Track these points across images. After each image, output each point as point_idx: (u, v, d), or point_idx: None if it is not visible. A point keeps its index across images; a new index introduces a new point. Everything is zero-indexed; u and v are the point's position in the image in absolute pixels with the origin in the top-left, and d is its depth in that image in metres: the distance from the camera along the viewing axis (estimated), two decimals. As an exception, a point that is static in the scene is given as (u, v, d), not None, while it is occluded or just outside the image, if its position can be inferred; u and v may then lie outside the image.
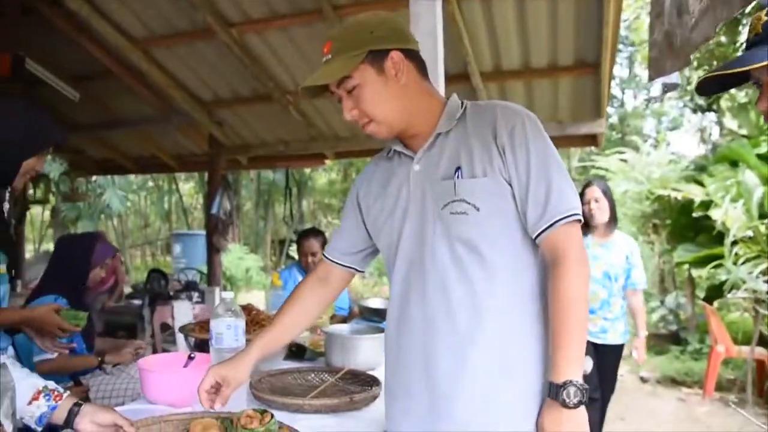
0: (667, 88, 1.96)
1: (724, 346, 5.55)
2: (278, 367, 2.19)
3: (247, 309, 2.41)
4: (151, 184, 15.53)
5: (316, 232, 4.03)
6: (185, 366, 1.78)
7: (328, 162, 7.07)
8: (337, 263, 1.61)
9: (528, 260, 1.36)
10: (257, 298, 9.81)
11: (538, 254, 1.36)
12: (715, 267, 6.24)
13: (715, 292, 6.31)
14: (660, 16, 1.83)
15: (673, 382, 6.13)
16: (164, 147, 7.15)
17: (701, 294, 7.07)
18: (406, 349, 1.42)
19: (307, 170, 14.18)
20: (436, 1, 2.95)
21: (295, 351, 2.43)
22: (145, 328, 5.45)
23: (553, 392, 1.23)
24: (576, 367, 1.23)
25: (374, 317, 3.52)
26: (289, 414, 1.68)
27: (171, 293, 6.00)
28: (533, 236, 1.33)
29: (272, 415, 1.43)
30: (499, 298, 1.33)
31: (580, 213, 1.32)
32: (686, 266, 7.14)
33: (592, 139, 5.79)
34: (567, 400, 1.20)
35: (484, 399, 1.32)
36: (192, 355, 1.77)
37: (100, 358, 2.68)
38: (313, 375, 2.13)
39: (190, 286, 6.29)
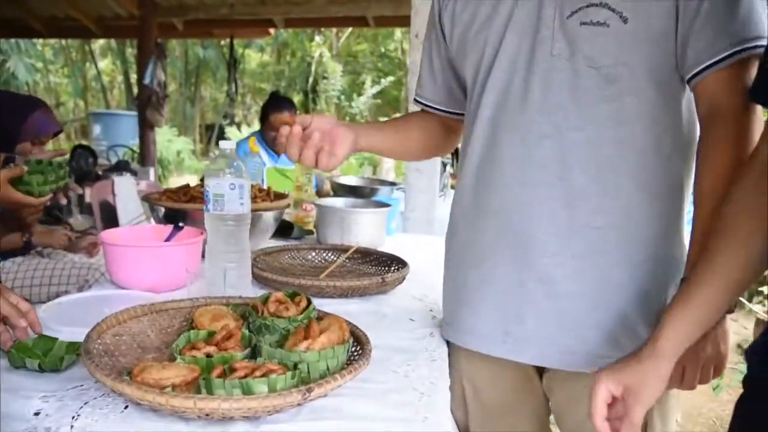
0: None
1: None
2: (266, 245, 1.81)
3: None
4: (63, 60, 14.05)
5: (290, 104, 3.50)
6: (168, 239, 1.36)
7: (272, 32, 6.39)
8: (433, 108, 1.26)
9: (677, 111, 0.99)
10: (189, 182, 9.21)
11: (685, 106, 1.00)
12: None
13: None
14: None
15: None
16: (83, 7, 6.20)
17: None
18: (490, 212, 1.07)
19: (239, 49, 13.13)
20: None
21: (281, 227, 2.04)
22: (72, 210, 4.86)
23: None
24: None
25: (349, 195, 3.17)
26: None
27: (99, 173, 5.40)
28: (687, 75, 0.94)
29: (309, 300, 1.06)
30: (637, 151, 0.98)
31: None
32: None
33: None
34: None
35: (590, 278, 1.01)
36: (180, 225, 1.35)
37: (25, 238, 2.19)
38: (314, 254, 1.76)
39: (120, 166, 5.70)
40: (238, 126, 12.30)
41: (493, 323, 1.08)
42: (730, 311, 0.92)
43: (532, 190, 1.02)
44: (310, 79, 15.29)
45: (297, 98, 16.11)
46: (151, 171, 5.49)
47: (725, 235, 0.81)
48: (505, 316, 1.06)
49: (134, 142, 7.47)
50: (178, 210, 1.64)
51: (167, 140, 11.45)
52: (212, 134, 12.80)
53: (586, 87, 0.97)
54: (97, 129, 10.90)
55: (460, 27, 1.11)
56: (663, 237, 1.00)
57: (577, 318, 1.02)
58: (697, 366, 0.93)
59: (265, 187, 2.22)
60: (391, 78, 13.69)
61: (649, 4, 0.92)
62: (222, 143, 1.28)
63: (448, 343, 1.20)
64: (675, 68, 0.95)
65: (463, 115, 1.20)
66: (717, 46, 0.89)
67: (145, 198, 1.78)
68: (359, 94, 14.18)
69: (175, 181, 9.50)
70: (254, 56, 15.47)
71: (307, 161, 1.08)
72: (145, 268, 1.30)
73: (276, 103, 3.52)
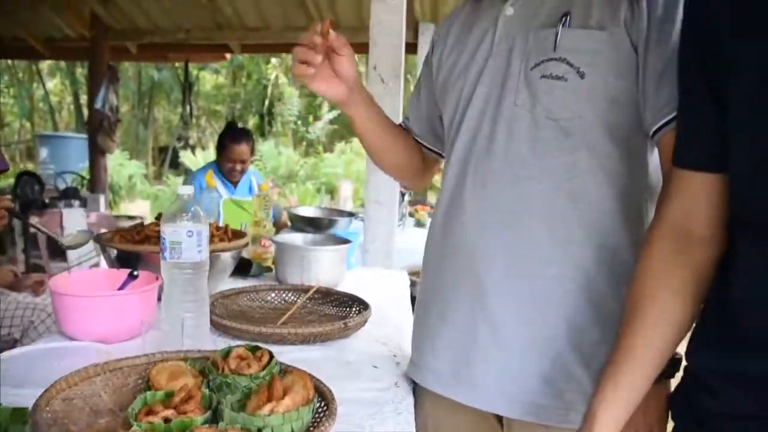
0: None
1: None
2: (225, 285, 1.76)
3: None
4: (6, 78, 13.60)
5: (247, 136, 3.46)
6: (122, 287, 1.30)
7: (228, 57, 6.34)
8: (417, 139, 1.32)
9: (636, 166, 1.00)
10: (142, 208, 9.01)
11: (652, 161, 1.01)
12: None
13: None
14: None
15: None
16: (31, 28, 6.03)
17: None
18: (451, 252, 1.10)
19: (194, 71, 12.98)
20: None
21: (239, 265, 1.99)
22: (16, 242, 4.67)
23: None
24: None
25: (307, 227, 3.14)
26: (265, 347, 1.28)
27: (46, 201, 5.20)
28: (649, 132, 0.95)
29: (271, 355, 1.03)
30: (590, 204, 0.99)
31: None
32: None
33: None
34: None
35: (536, 327, 1.02)
36: (135, 273, 1.29)
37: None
38: (273, 295, 1.72)
39: (69, 193, 5.50)
40: (193, 149, 12.09)
41: (448, 365, 1.09)
42: (670, 376, 0.94)
43: (489, 234, 1.03)
44: (266, 102, 15.23)
45: (252, 121, 16.00)
46: (102, 199, 5.32)
47: (634, 322, 0.85)
48: (458, 359, 1.07)
49: (83, 166, 7.25)
50: (132, 252, 1.58)
51: (118, 164, 11.19)
52: (165, 157, 12.53)
53: (545, 138, 0.98)
54: (43, 152, 10.55)
55: (444, 71, 1.15)
56: (614, 293, 1.01)
57: (521, 366, 1.02)
58: None
59: (221, 222, 2.17)
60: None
61: (608, 61, 0.94)
62: (180, 189, 1.24)
63: (415, 384, 1.19)
64: (638, 125, 0.97)
65: (440, 155, 1.28)
66: (674, 104, 0.91)
67: (97, 239, 1.72)
68: (316, 117, 14.17)
69: (126, 207, 9.27)
70: (209, 78, 15.32)
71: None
72: (97, 318, 1.24)
73: (233, 134, 3.48)
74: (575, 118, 0.96)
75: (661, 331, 0.83)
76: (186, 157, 10.73)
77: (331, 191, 9.19)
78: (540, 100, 0.98)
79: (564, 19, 0.96)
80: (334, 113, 12.09)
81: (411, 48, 5.37)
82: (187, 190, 1.24)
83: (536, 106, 0.98)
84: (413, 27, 5.25)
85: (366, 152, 1.33)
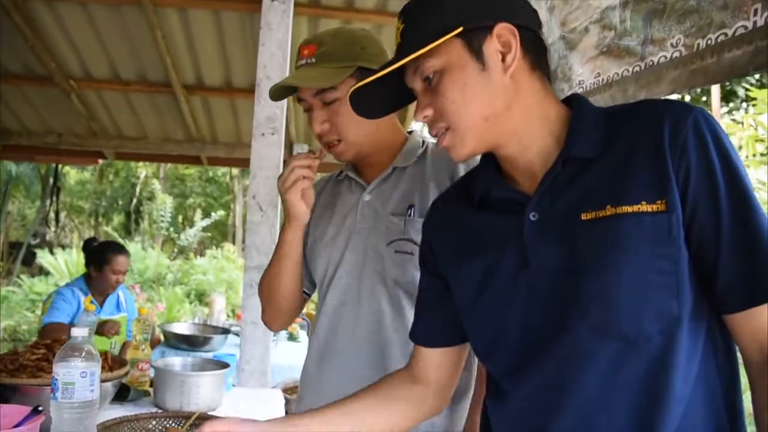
0: None
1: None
2: (105, 413, 1.79)
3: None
4: None
5: (125, 250, 3.46)
6: (19, 425, 1.33)
7: (101, 161, 6.28)
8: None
9: None
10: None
11: None
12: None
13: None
14: None
15: None
16: None
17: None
18: (328, 389, 1.26)
19: (60, 165, 12.46)
20: (289, 11, 2.80)
21: (118, 391, 2.02)
22: None
23: None
24: None
25: (182, 344, 3.17)
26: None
27: None
28: None
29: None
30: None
31: None
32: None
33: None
34: None
35: None
36: (40, 408, 1.32)
37: None
38: (154, 422, 1.78)
39: None
40: (50, 247, 11.36)
41: None
42: None
43: (356, 374, 1.25)
44: (134, 200, 14.81)
45: (118, 219, 15.44)
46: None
47: None
48: None
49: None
50: (8, 385, 1.60)
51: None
52: (18, 254, 11.64)
53: (396, 297, 1.26)
54: None
55: (311, 240, 1.38)
56: None
57: None
58: None
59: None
60: (221, 212, 13.75)
61: None
62: (74, 330, 1.33)
63: None
64: None
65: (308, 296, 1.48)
66: None
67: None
68: (186, 219, 13.96)
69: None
70: (73, 173, 14.75)
71: None
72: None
73: (114, 245, 3.49)
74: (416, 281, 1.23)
75: None
76: (43, 257, 10.05)
77: (201, 296, 9.01)
78: (393, 269, 1.25)
79: (410, 209, 1.25)
80: (207, 221, 12.04)
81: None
82: (81, 332, 1.34)
83: (391, 274, 1.25)
84: (288, 146, 5.59)
85: (273, 274, 1.37)
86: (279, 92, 1.27)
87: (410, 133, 1.38)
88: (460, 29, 0.82)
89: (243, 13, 3.88)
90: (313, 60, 1.22)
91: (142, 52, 4.41)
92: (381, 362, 1.24)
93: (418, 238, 1.18)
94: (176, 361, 2.21)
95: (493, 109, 0.84)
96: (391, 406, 1.02)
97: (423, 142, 1.35)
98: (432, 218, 1.06)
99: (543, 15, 1.65)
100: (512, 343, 0.87)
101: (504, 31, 0.83)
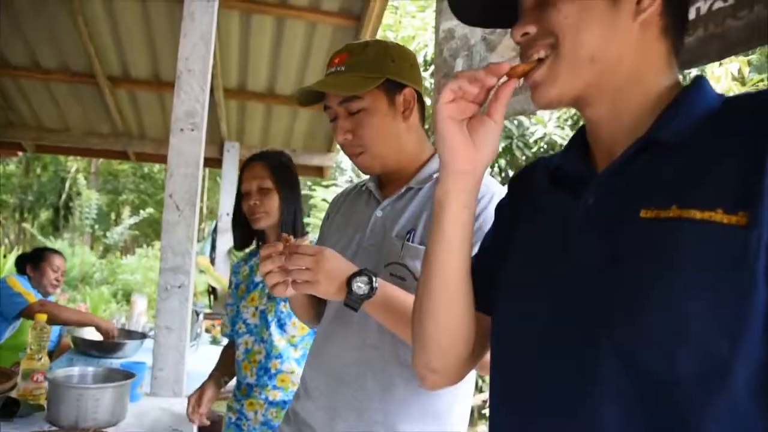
0: None
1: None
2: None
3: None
4: None
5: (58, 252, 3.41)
6: None
7: (20, 154, 5.95)
8: None
9: None
10: None
11: None
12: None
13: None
14: (448, 77, 1.76)
15: None
16: None
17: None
18: (314, 385, 1.29)
19: (-21, 158, 11.81)
20: (214, 2, 2.67)
21: (5, 406, 1.85)
22: None
23: None
24: None
25: (92, 351, 2.97)
26: None
27: None
28: None
29: None
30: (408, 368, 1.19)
31: None
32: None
33: (319, 171, 6.03)
34: None
35: None
36: None
37: None
38: (41, 442, 1.64)
39: None
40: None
41: None
42: None
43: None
44: (63, 196, 14.18)
45: (45, 215, 14.73)
46: None
47: None
48: None
49: None
50: None
51: None
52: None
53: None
54: None
55: (328, 244, 1.32)
56: None
57: None
58: None
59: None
60: (150, 210, 13.24)
61: None
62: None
63: None
64: None
65: None
66: None
67: None
68: (118, 216, 13.46)
69: None
70: (-3, 167, 14.01)
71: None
72: None
73: (50, 250, 3.41)
74: None
75: None
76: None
77: (128, 296, 8.68)
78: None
79: (410, 234, 1.20)
80: (136, 218, 11.60)
81: (216, 163, 5.51)
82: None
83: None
84: (219, 143, 5.42)
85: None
86: (306, 98, 1.26)
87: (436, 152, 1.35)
88: None
89: (171, 3, 3.72)
90: (342, 68, 1.20)
91: (64, 39, 4.18)
92: (359, 376, 1.21)
93: (412, 265, 1.17)
94: (75, 371, 2.06)
95: (606, 49, 0.71)
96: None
97: None
98: (519, 182, 0.91)
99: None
100: (526, 346, 0.74)
101: None
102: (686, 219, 0.62)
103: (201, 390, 2.02)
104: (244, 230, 2.11)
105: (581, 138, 0.80)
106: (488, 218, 1.04)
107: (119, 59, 4.44)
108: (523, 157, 6.57)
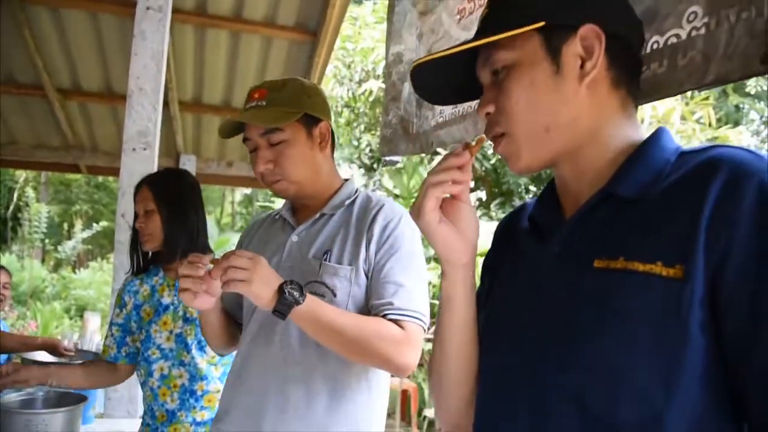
0: (386, 162, 1.95)
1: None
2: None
3: None
4: None
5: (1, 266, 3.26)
6: None
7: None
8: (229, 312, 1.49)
9: None
10: None
11: None
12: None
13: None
14: (396, 100, 1.77)
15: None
16: None
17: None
18: (235, 404, 1.34)
19: None
20: (165, 20, 2.66)
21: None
22: None
23: None
24: None
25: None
26: None
27: None
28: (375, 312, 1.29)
29: None
30: (335, 379, 1.28)
31: (425, 323, 1.28)
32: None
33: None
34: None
35: None
36: None
37: None
38: (-12, 472, 1.61)
39: None
40: None
41: None
42: None
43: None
44: (11, 207, 13.74)
45: (-8, 227, 14.24)
46: None
47: None
48: None
49: None
50: None
51: None
52: None
53: (308, 341, 1.26)
54: None
55: None
56: None
57: None
58: None
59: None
60: (104, 222, 12.89)
61: (350, 284, 1.28)
62: None
63: None
64: None
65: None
66: (382, 308, 1.27)
67: None
68: (71, 227, 13.08)
69: None
70: None
71: None
72: None
73: None
74: None
75: None
76: None
77: (83, 312, 8.46)
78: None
79: (326, 254, 1.30)
80: (89, 232, 11.28)
81: (173, 177, 5.45)
82: None
83: None
84: (175, 156, 5.37)
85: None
86: (228, 130, 1.35)
87: (347, 180, 1.43)
88: (542, 24, 0.72)
89: (122, 17, 3.67)
90: (263, 103, 1.31)
91: (9, 50, 4.08)
92: (282, 392, 1.27)
93: (331, 282, 1.28)
94: (24, 395, 2.01)
95: (557, 118, 0.74)
96: None
97: (357, 190, 1.42)
98: (503, 231, 0.94)
99: (412, 42, 1.65)
100: (491, 389, 0.79)
101: (590, 33, 0.72)
102: (630, 270, 0.65)
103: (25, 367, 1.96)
104: (144, 254, 2.00)
105: (553, 188, 0.84)
106: (399, 235, 1.28)
107: (69, 71, 4.36)
108: (483, 169, 6.67)
